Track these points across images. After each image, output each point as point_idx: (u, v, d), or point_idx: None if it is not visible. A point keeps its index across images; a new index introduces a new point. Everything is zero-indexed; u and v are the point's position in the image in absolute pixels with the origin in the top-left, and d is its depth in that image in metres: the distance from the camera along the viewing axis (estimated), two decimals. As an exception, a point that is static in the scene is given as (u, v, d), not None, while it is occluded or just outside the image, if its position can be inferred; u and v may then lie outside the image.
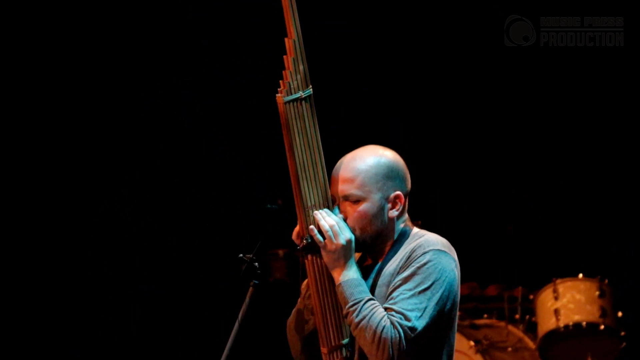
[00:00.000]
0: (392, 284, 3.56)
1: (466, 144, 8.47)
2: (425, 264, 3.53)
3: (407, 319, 3.47)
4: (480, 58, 8.20)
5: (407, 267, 3.55)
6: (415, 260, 3.54)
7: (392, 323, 3.47)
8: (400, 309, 3.48)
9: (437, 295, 3.51)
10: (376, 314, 3.49)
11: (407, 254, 3.58)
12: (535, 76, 8.20)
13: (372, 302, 3.52)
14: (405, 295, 3.50)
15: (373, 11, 8.14)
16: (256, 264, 3.72)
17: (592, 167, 8.34)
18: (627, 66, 7.95)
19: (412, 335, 3.46)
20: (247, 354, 4.97)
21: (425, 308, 3.49)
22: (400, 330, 3.46)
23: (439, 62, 8.29)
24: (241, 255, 3.73)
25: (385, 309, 3.51)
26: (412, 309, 3.48)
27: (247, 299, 3.71)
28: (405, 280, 3.52)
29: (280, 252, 7.77)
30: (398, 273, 3.57)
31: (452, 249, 3.62)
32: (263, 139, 6.72)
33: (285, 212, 3.84)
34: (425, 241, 3.59)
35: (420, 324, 3.48)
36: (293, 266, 7.71)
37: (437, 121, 8.42)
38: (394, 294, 3.52)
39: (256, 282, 3.72)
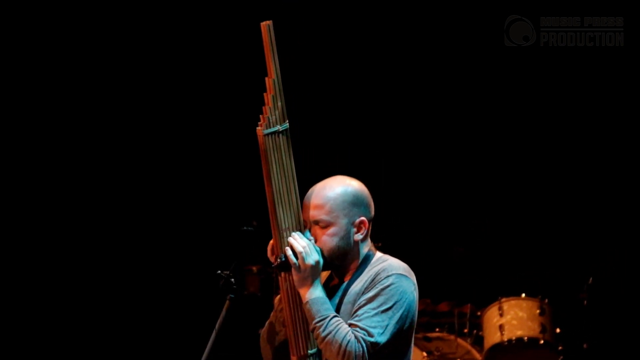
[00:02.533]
0: (357, 302, 3.56)
1: (436, 166, 8.16)
2: (388, 286, 3.53)
3: (370, 335, 3.48)
4: (480, 58, 7.84)
5: (372, 288, 3.55)
6: (380, 282, 3.54)
7: (356, 338, 3.48)
8: (364, 326, 3.49)
9: (398, 315, 3.53)
10: (341, 330, 3.49)
11: (372, 276, 3.58)
12: (535, 76, 7.84)
13: (336, 318, 3.52)
14: (369, 314, 3.51)
15: (372, 11, 7.82)
16: (232, 279, 3.70)
17: (583, 172, 7.97)
18: (627, 66, 7.59)
19: (374, 349, 3.48)
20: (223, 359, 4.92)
21: (387, 326, 3.50)
22: (364, 345, 3.47)
23: (438, 63, 7.94)
24: (219, 271, 3.70)
25: (350, 325, 3.51)
26: (375, 326, 3.49)
27: (224, 311, 3.70)
28: (370, 300, 3.53)
29: (254, 269, 7.72)
30: (363, 293, 3.56)
31: (412, 273, 3.63)
32: (243, 167, 6.61)
33: (259, 234, 3.81)
34: (389, 265, 3.59)
35: (381, 340, 3.48)
36: (265, 281, 7.67)
37: (412, 136, 8.08)
38: (359, 312, 3.53)
39: (232, 296, 3.70)
